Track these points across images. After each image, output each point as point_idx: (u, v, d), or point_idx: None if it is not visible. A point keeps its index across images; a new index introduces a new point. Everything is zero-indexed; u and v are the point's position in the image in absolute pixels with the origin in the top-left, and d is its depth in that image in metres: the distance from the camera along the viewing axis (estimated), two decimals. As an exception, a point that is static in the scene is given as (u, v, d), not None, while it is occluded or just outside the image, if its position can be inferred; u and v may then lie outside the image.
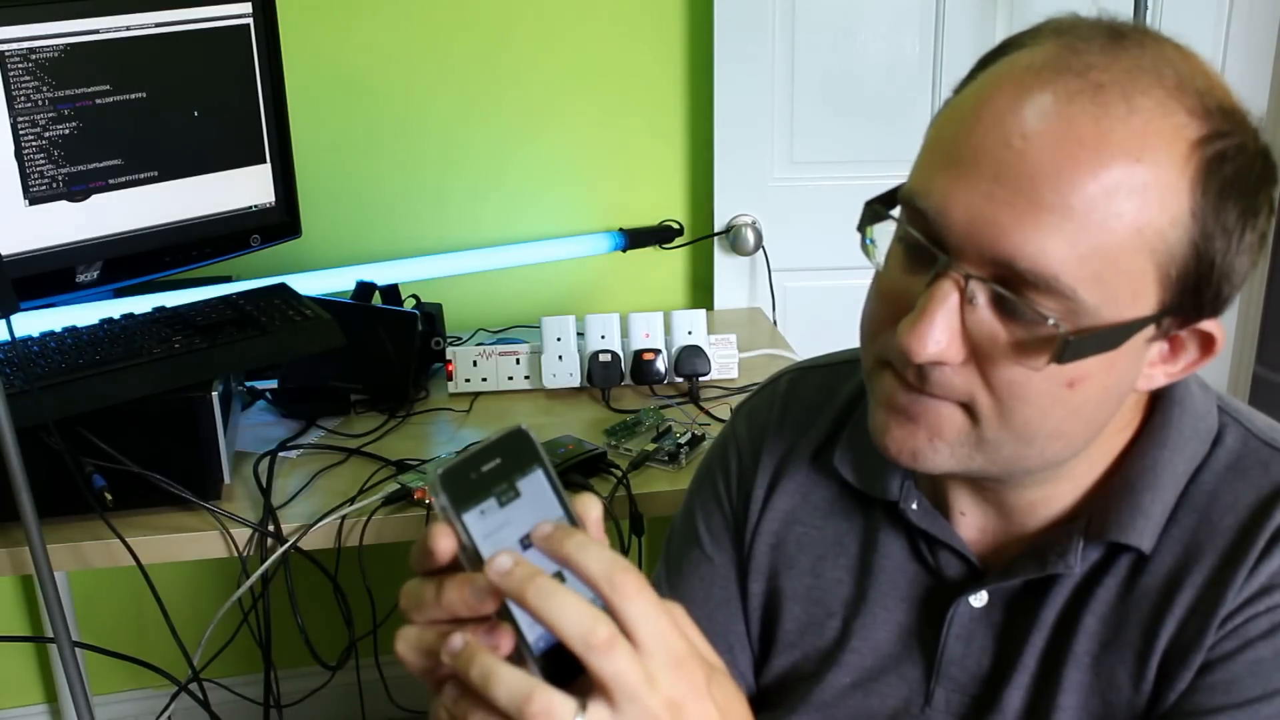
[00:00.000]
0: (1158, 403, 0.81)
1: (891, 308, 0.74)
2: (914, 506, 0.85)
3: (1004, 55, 0.73)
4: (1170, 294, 0.70)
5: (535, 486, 0.59)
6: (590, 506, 0.61)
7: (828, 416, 0.94)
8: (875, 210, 0.76)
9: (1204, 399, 0.83)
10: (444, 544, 0.58)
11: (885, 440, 0.77)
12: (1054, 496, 0.82)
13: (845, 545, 0.90)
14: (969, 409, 0.73)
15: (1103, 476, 0.81)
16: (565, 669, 0.56)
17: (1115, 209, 0.66)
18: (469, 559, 0.58)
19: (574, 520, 0.59)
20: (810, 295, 2.13)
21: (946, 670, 0.85)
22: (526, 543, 0.58)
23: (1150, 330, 0.71)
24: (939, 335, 0.69)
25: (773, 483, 0.94)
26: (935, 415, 0.74)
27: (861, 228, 0.76)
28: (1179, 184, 0.67)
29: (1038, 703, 0.81)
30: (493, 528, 0.58)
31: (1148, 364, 0.75)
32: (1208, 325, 0.73)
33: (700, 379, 1.73)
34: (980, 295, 0.70)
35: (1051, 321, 0.68)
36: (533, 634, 0.56)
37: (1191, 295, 0.71)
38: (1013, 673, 0.82)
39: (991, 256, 0.68)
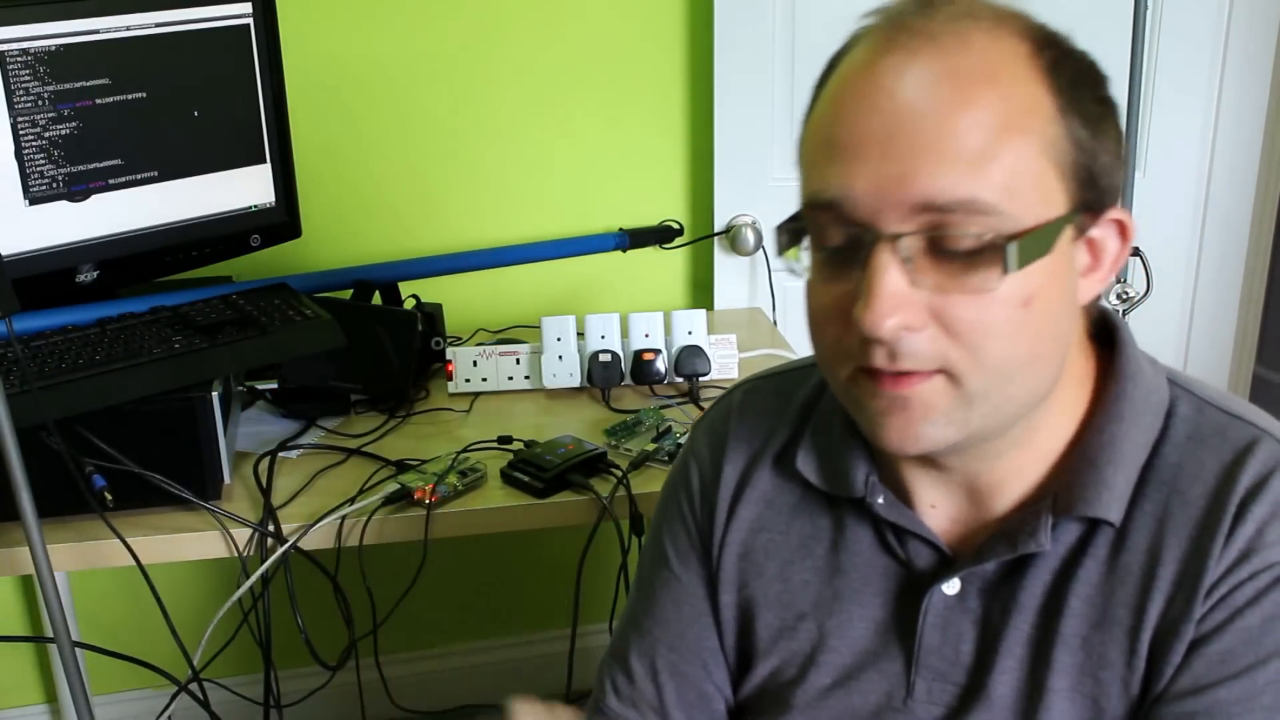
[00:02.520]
0: (1110, 378, 0.83)
1: (841, 318, 0.76)
2: (880, 501, 0.86)
3: (837, 65, 0.77)
4: (1073, 188, 0.74)
5: None
6: None
7: (786, 421, 0.95)
8: (789, 230, 0.78)
9: (1153, 373, 0.85)
10: None
11: (886, 437, 0.78)
12: (1019, 471, 0.83)
13: (811, 547, 0.91)
14: (947, 373, 0.75)
15: (1064, 454, 0.83)
16: None
17: (997, 124, 0.71)
18: None
19: None
20: (810, 295, 2.13)
21: (925, 661, 0.85)
22: None
23: (1069, 231, 0.75)
24: (892, 302, 0.72)
25: (736, 493, 0.94)
26: (921, 395, 0.75)
27: (783, 253, 0.80)
28: (1037, 90, 0.73)
29: (1028, 687, 0.82)
30: None
31: (1080, 275, 0.78)
32: (1114, 213, 0.78)
33: (700, 379, 1.73)
34: (914, 248, 0.72)
35: (989, 236, 0.71)
36: None
37: (1089, 186, 0.75)
38: (996, 658, 0.83)
39: (909, 208, 0.71)
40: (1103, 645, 0.81)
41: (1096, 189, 0.76)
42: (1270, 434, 0.81)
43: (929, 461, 0.83)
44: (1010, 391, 0.76)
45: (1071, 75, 0.75)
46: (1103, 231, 0.78)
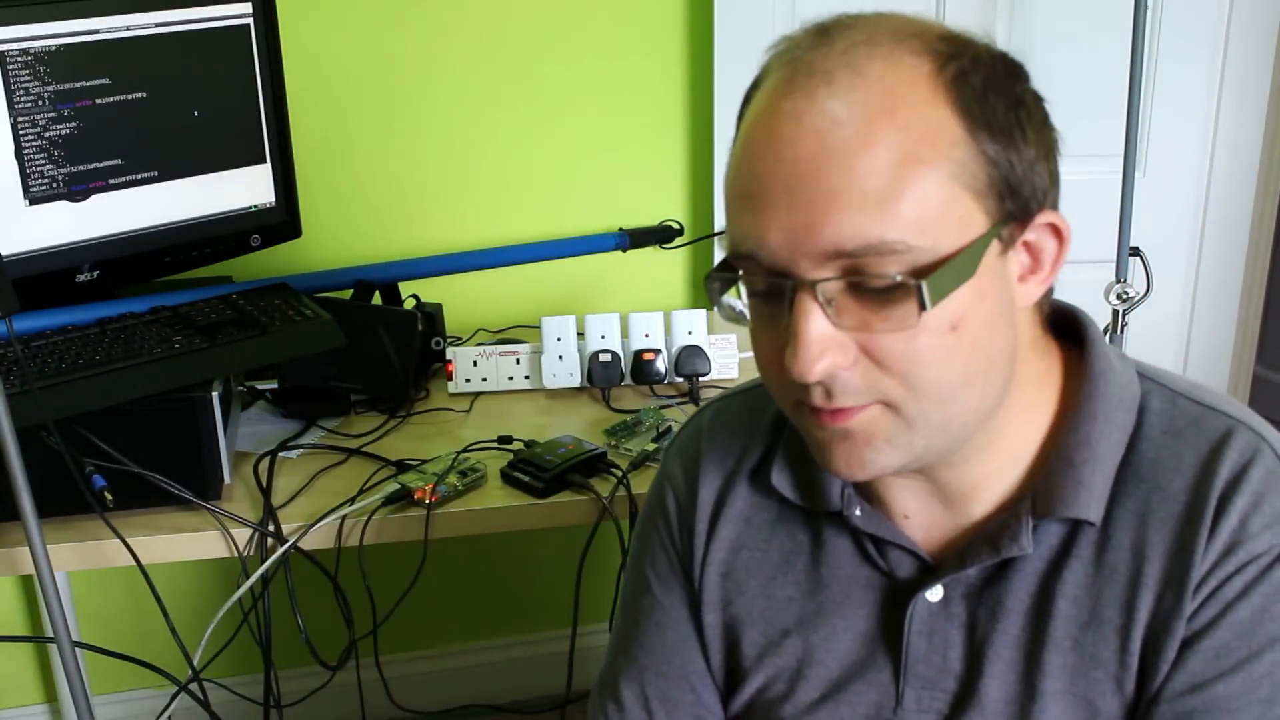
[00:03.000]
0: (1081, 377, 0.83)
1: (778, 358, 0.76)
2: (857, 513, 0.86)
3: (750, 102, 0.78)
4: (992, 205, 0.73)
5: None
6: None
7: (758, 438, 0.94)
8: (719, 279, 0.79)
9: (1123, 368, 0.85)
10: None
11: (834, 466, 0.79)
12: (992, 474, 0.83)
13: (792, 562, 0.91)
14: (884, 403, 0.75)
15: (1040, 456, 0.83)
16: None
17: (898, 160, 0.70)
18: None
19: None
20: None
21: (913, 669, 0.85)
22: None
23: (995, 246, 0.74)
24: (818, 348, 0.72)
25: (715, 513, 0.94)
26: (861, 425, 0.76)
27: (716, 302, 0.80)
28: (940, 112, 0.72)
29: (1020, 690, 0.82)
30: None
31: (1017, 280, 0.77)
32: (1045, 217, 0.77)
33: (700, 379, 1.73)
34: (833, 291, 0.73)
35: (899, 278, 0.71)
36: None
37: (1012, 198, 0.74)
38: (986, 663, 0.83)
39: (820, 255, 0.71)
40: (1094, 645, 0.81)
41: (1019, 198, 0.74)
42: (1244, 423, 0.81)
43: (898, 471, 0.83)
44: (951, 412, 0.76)
45: (980, 86, 0.73)
46: (1037, 235, 0.77)
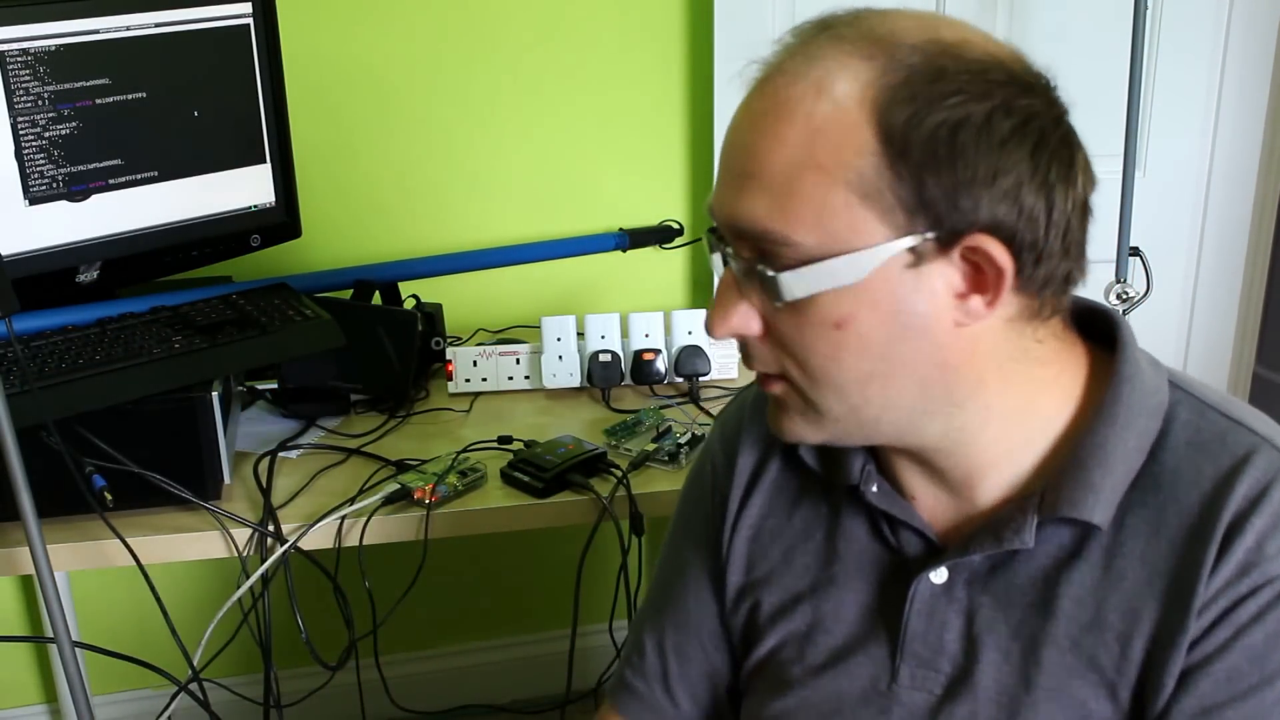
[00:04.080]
0: (1108, 381, 0.83)
1: None
2: (874, 489, 0.89)
3: None
4: (900, 220, 0.74)
5: None
6: None
7: None
8: (710, 236, 0.85)
9: (1154, 375, 0.84)
10: None
11: (769, 425, 0.86)
12: (989, 466, 0.84)
13: (812, 532, 0.94)
14: (787, 379, 0.81)
15: (1056, 454, 0.83)
16: None
17: (798, 159, 0.74)
18: None
19: None
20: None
21: (910, 647, 0.87)
22: None
23: (903, 258, 0.74)
24: (721, 311, 0.80)
25: (750, 484, 0.98)
26: (776, 394, 0.83)
27: (711, 253, 0.84)
28: (858, 119, 0.73)
29: (1014, 683, 0.83)
30: None
31: (954, 297, 0.76)
32: (978, 240, 0.74)
33: (700, 379, 1.73)
34: (740, 266, 0.79)
35: (759, 266, 0.77)
36: None
37: (924, 214, 0.74)
38: (981, 650, 0.84)
39: (731, 231, 0.79)
40: (1093, 649, 0.81)
41: (934, 215, 0.73)
42: (1270, 441, 0.80)
43: (907, 452, 0.86)
44: (852, 404, 0.80)
45: (913, 100, 0.73)
46: (981, 259, 0.75)
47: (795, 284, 0.76)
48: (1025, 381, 0.82)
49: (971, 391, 0.80)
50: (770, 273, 0.76)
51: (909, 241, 0.74)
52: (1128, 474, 0.81)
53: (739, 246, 0.79)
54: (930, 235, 0.74)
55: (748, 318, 0.80)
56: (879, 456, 0.89)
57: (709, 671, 1.01)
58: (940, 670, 0.86)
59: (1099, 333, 0.87)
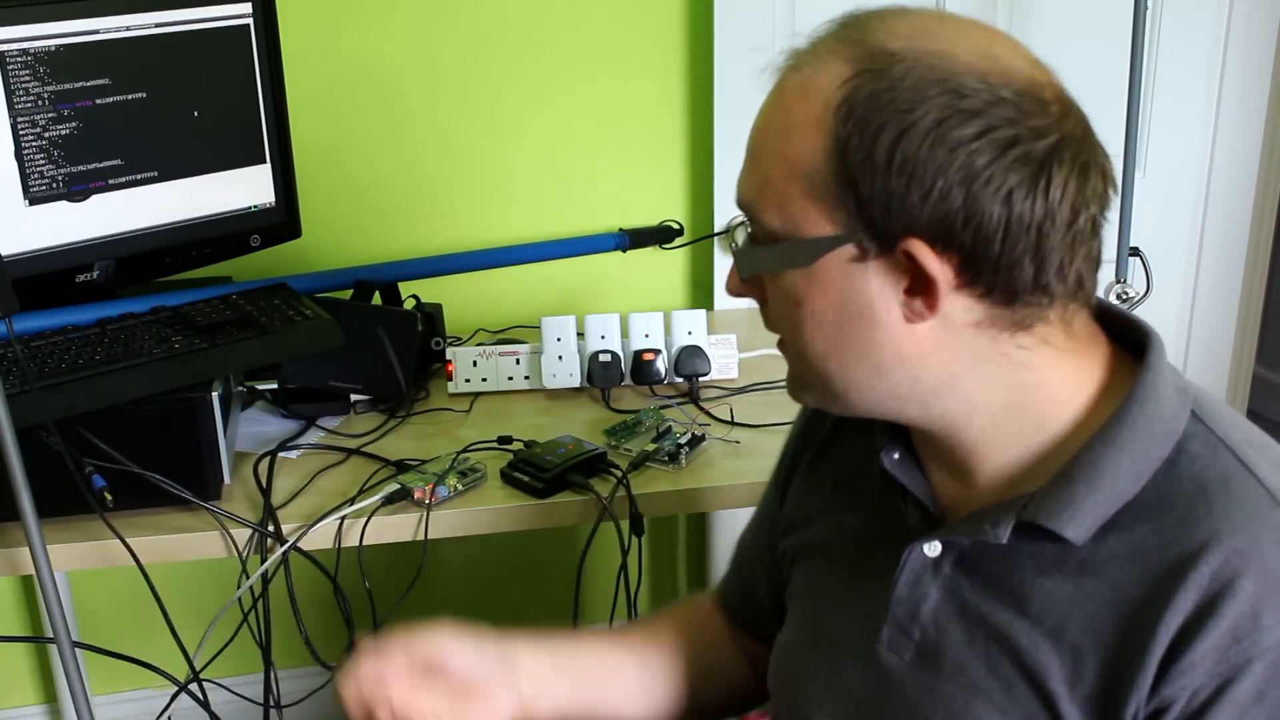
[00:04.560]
0: (1122, 400, 0.82)
1: None
2: (895, 456, 0.92)
3: None
4: (842, 218, 0.78)
5: None
6: None
7: None
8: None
9: (1175, 401, 0.82)
10: None
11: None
12: (979, 460, 0.86)
13: (854, 483, 1.00)
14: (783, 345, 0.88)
15: (1057, 458, 0.83)
16: None
17: (773, 148, 0.81)
18: None
19: None
20: (810, 295, 2.13)
21: (893, 610, 0.90)
22: None
23: (848, 251, 0.79)
24: (732, 274, 0.88)
25: (820, 452, 1.06)
26: (784, 356, 0.89)
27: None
28: (823, 118, 0.78)
29: (977, 670, 0.84)
30: None
31: (902, 293, 0.79)
32: (911, 246, 0.76)
33: (700, 379, 1.73)
34: (743, 235, 0.87)
35: (749, 242, 0.85)
36: None
37: (861, 217, 0.77)
38: (953, 629, 0.86)
39: (737, 200, 0.87)
40: (1047, 655, 0.81)
41: (869, 220, 0.77)
42: (1275, 497, 0.78)
43: (915, 428, 0.89)
44: (819, 372, 0.85)
45: (870, 105, 0.75)
46: (912, 258, 0.76)
47: (760, 258, 0.84)
48: (1008, 385, 0.82)
49: (945, 384, 0.82)
50: (749, 246, 0.85)
51: (850, 239, 0.78)
52: (1119, 496, 0.80)
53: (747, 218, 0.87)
54: (867, 237, 0.78)
55: (750, 285, 0.88)
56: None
57: (751, 588, 1.15)
58: (911, 637, 0.88)
59: (1137, 346, 0.85)
